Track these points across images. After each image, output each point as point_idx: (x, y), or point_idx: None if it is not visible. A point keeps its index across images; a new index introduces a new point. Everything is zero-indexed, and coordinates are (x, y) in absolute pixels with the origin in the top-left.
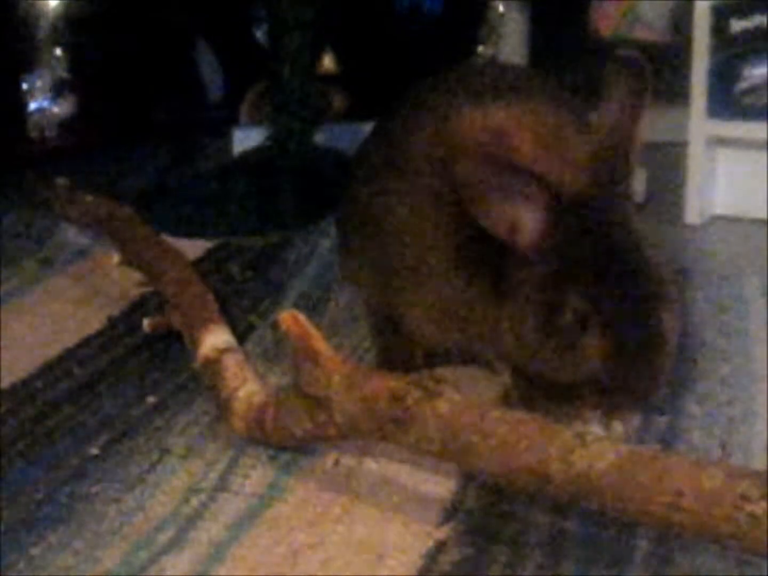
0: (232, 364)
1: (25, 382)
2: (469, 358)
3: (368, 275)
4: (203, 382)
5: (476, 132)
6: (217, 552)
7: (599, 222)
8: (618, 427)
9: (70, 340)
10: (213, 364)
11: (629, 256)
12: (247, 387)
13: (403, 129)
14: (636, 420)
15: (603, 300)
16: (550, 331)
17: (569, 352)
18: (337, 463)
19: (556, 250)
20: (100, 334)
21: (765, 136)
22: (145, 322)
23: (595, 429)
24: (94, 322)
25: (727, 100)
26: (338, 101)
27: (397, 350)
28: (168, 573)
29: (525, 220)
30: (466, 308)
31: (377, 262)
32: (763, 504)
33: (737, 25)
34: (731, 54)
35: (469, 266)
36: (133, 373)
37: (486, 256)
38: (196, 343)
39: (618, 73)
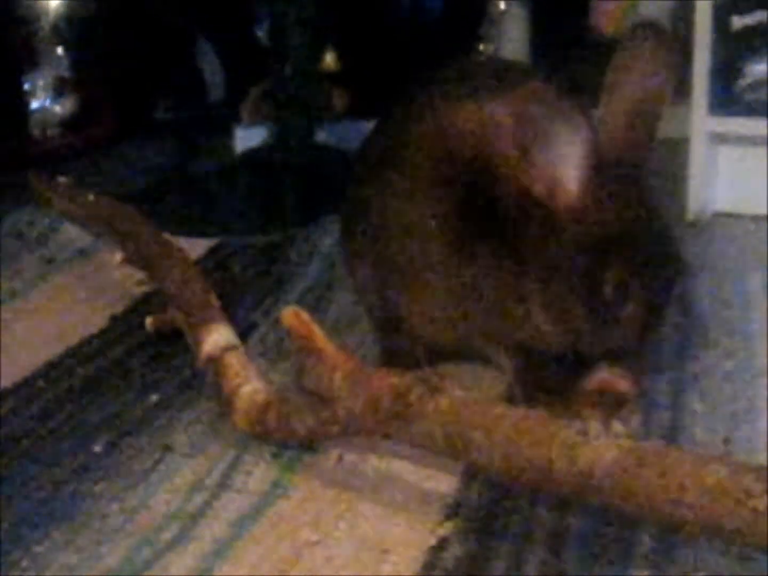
0: (234, 362)
1: (27, 381)
2: (470, 355)
3: (370, 272)
4: (206, 381)
5: (475, 125)
6: (221, 549)
7: (633, 189)
8: (618, 426)
9: (72, 338)
10: (216, 362)
11: (660, 224)
12: (249, 385)
13: (402, 124)
14: (636, 419)
15: (641, 271)
16: (591, 303)
17: (608, 321)
18: (340, 460)
19: (591, 217)
20: (102, 332)
21: (766, 132)
22: (148, 321)
23: (596, 429)
24: (96, 320)
25: (728, 97)
26: (340, 99)
27: (400, 347)
28: (171, 570)
29: (566, 176)
30: (468, 303)
31: (379, 259)
32: (766, 499)
33: (738, 22)
34: (732, 51)
35: (472, 261)
36: (135, 371)
37: (489, 250)
38: (198, 342)
39: (641, 39)
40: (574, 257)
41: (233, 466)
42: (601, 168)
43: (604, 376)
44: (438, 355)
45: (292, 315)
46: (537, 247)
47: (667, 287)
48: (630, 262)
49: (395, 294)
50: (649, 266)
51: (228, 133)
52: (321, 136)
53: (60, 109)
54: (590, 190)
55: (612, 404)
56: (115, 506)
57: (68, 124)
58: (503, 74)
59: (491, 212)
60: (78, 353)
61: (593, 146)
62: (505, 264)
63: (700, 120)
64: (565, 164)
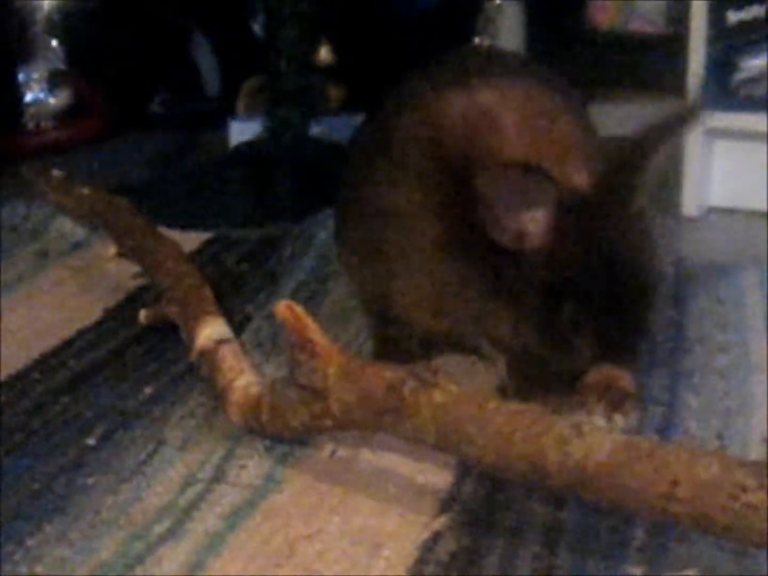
0: (228, 355)
1: (21, 374)
2: (464, 348)
3: (362, 264)
4: (199, 374)
5: (462, 116)
6: (214, 543)
7: (600, 228)
8: (619, 420)
9: (66, 331)
10: (209, 355)
11: (625, 265)
12: (243, 378)
13: (392, 116)
14: (636, 416)
15: (596, 310)
16: (547, 329)
17: (565, 350)
18: (333, 454)
19: (556, 255)
20: (96, 325)
21: (762, 127)
22: (142, 314)
23: (598, 420)
24: (90, 313)
25: (723, 92)
26: (335, 93)
27: (393, 341)
28: (164, 564)
29: (533, 226)
30: (458, 296)
31: (370, 251)
32: (760, 494)
33: (734, 17)
34: (728, 45)
35: (461, 253)
36: (129, 364)
37: (478, 243)
38: (192, 335)
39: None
40: (537, 283)
41: (226, 460)
42: (570, 210)
43: (606, 371)
44: (432, 348)
45: (285, 308)
46: (504, 267)
47: (629, 325)
48: (587, 301)
49: (386, 285)
50: (609, 307)
51: (223, 127)
52: (316, 129)
53: (55, 101)
54: (555, 234)
55: (614, 399)
56: (108, 499)
57: (63, 116)
58: (497, 67)
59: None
60: (72, 346)
61: (557, 197)
62: (489, 263)
63: None
64: (529, 221)
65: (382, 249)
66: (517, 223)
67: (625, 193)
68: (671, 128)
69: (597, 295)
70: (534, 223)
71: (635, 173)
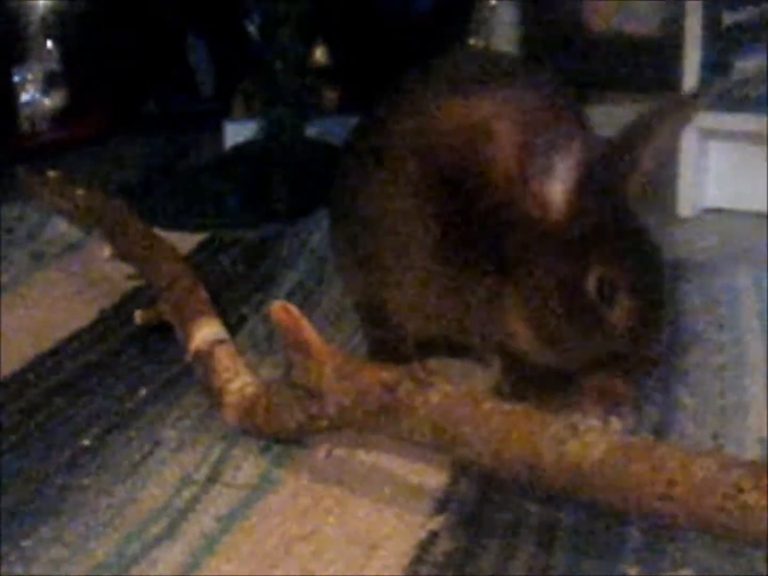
0: (223, 356)
1: (17, 375)
2: (458, 351)
3: (355, 266)
4: (195, 375)
5: (457, 123)
6: (209, 543)
7: (611, 195)
8: (616, 423)
9: (61, 333)
10: (205, 356)
11: (640, 227)
12: (239, 379)
13: (387, 120)
14: (633, 419)
15: (626, 269)
16: (573, 305)
17: (595, 324)
18: (329, 454)
19: (575, 224)
20: (91, 327)
21: (757, 128)
22: (137, 315)
23: (593, 423)
24: (85, 315)
25: (719, 93)
26: (330, 94)
27: (388, 341)
28: (159, 565)
29: (560, 196)
30: (449, 299)
31: (363, 253)
32: (756, 494)
33: (729, 18)
34: (723, 47)
35: (452, 257)
36: (124, 365)
37: (469, 247)
38: (187, 336)
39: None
40: (554, 263)
41: (222, 461)
42: (588, 174)
43: (603, 375)
44: (426, 349)
45: (281, 309)
46: (516, 254)
47: (658, 286)
48: (614, 259)
49: (381, 288)
50: (638, 266)
51: (218, 128)
52: (311, 131)
53: (50, 103)
54: (576, 200)
55: (610, 403)
56: (103, 500)
57: (58, 118)
58: (491, 71)
59: (474, 212)
60: (67, 347)
61: (586, 162)
62: (487, 266)
63: None
64: (560, 185)
65: (375, 253)
66: (549, 190)
67: (627, 167)
68: (670, 112)
69: (624, 257)
70: (559, 188)
71: (635, 149)
